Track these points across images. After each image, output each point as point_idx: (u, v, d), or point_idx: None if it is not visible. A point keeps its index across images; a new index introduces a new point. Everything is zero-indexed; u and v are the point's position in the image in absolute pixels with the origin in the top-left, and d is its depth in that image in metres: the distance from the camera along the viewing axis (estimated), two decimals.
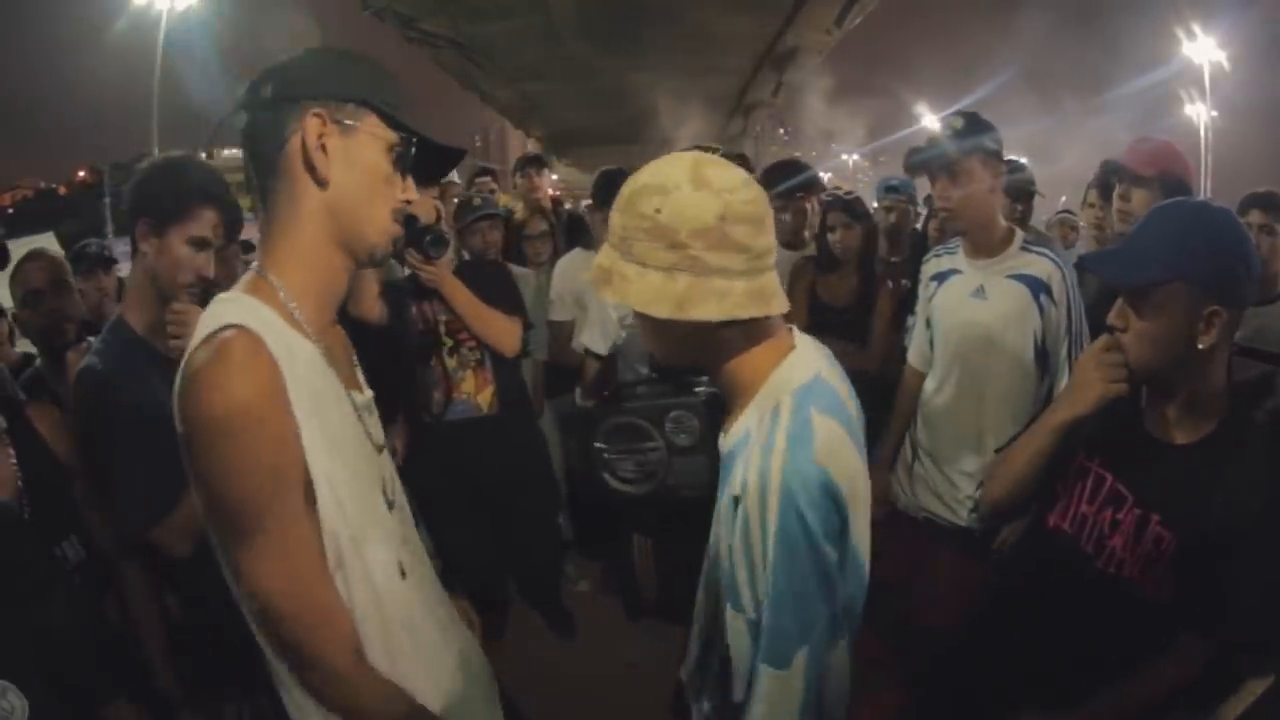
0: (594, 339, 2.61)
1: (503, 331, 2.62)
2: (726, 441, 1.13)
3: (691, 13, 8.36)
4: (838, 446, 1.02)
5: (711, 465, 2.16)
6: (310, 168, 1.00)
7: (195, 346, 0.95)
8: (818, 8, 8.41)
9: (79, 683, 1.34)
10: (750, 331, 1.07)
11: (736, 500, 1.03)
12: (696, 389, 2.28)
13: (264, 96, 1.01)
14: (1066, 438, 1.42)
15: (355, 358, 1.22)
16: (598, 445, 2.32)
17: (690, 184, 1.01)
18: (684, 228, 0.99)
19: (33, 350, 2.46)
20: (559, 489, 3.31)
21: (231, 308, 0.99)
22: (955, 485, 2.27)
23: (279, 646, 0.99)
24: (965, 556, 2.19)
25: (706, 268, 1.01)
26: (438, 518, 2.81)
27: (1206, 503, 1.27)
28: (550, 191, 5.18)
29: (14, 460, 1.45)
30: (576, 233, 3.95)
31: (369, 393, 1.18)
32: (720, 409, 2.11)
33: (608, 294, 1.03)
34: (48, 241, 3.27)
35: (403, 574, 1.10)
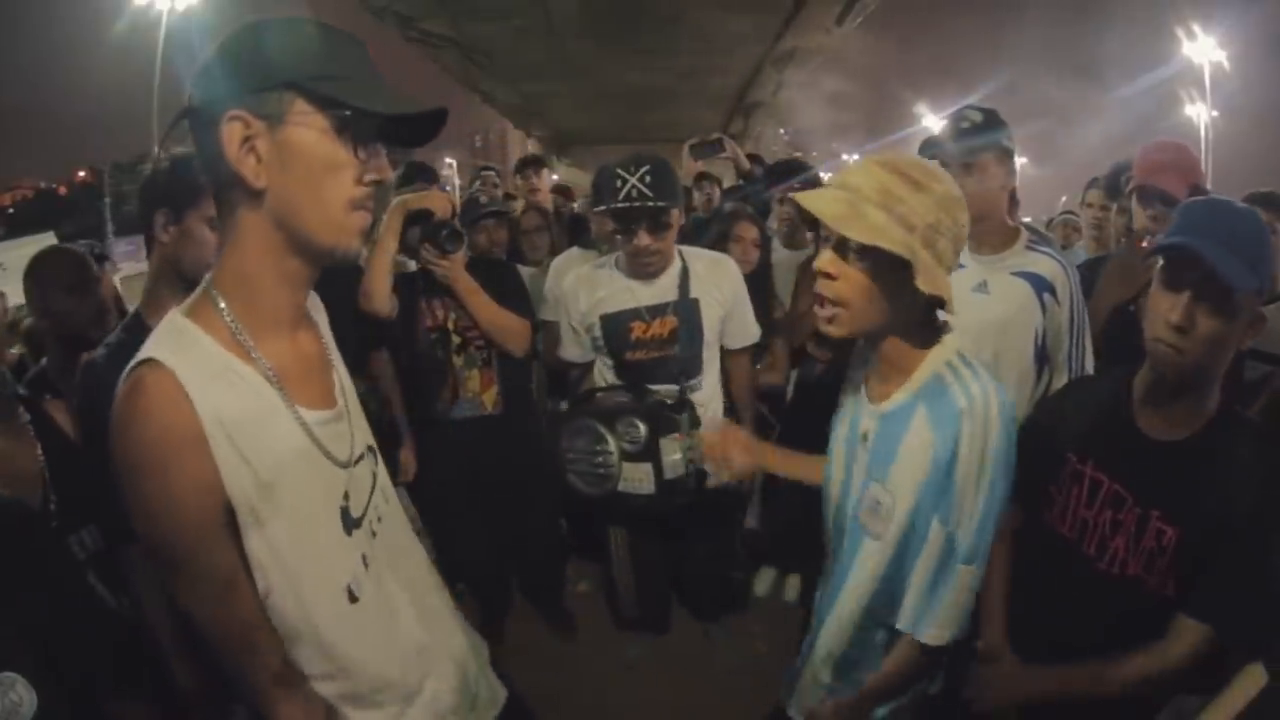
0: (569, 350, 2.61)
1: (513, 332, 2.62)
2: (897, 397, 1.32)
3: (692, 13, 8.34)
4: (997, 385, 1.26)
5: (656, 474, 2.20)
6: (239, 177, 0.92)
7: (121, 378, 0.92)
8: (818, 8, 8.39)
9: (90, 677, 1.34)
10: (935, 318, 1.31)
11: (960, 414, 1.21)
12: (646, 398, 2.31)
13: (192, 107, 0.93)
14: None
15: (333, 365, 1.15)
16: (562, 446, 2.37)
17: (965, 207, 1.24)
18: (962, 243, 1.24)
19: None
20: (560, 490, 3.30)
21: (158, 337, 0.96)
22: None
23: (221, 661, 1.00)
24: None
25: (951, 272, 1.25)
26: (440, 515, 2.82)
27: (1203, 496, 1.28)
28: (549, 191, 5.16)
29: (40, 454, 1.47)
30: (578, 231, 3.95)
31: (341, 404, 1.12)
32: (668, 420, 2.16)
33: (923, 281, 1.15)
34: (48, 241, 3.27)
35: (352, 598, 1.07)
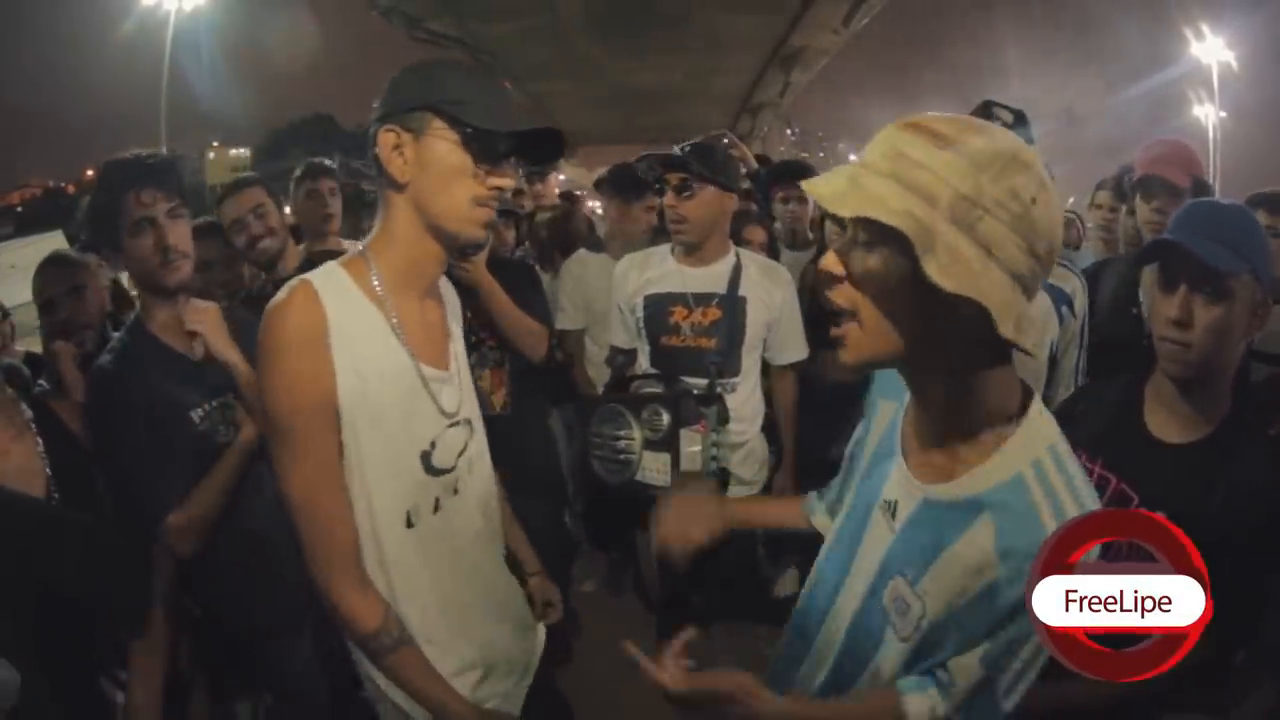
0: (617, 334, 2.64)
1: (533, 337, 2.56)
2: (959, 485, 0.95)
3: (699, 13, 8.35)
4: (1095, 503, 0.91)
5: (673, 465, 2.19)
6: (387, 173, 1.19)
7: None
8: (825, 8, 8.41)
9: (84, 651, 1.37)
10: (1013, 371, 0.94)
11: (1008, 553, 0.88)
12: (676, 386, 2.30)
13: (370, 122, 1.20)
14: None
15: (450, 337, 1.37)
16: (590, 430, 2.37)
17: (1051, 185, 0.85)
18: (1047, 237, 0.85)
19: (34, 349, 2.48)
20: (565, 490, 3.31)
21: (318, 271, 1.21)
22: None
23: (301, 543, 1.18)
24: None
25: (1034, 292, 0.86)
26: None
27: (1210, 500, 1.27)
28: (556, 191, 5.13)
29: (41, 450, 1.48)
30: (568, 232, 3.91)
31: (454, 368, 1.35)
32: (691, 410, 2.14)
33: (933, 268, 0.79)
34: (56, 240, 3.29)
35: (409, 523, 1.25)
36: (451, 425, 1.31)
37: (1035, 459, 0.90)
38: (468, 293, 2.54)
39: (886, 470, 1.07)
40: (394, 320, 1.23)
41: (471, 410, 1.39)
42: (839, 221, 0.92)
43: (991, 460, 0.92)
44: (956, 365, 0.91)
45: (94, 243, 1.72)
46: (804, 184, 0.96)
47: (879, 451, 1.11)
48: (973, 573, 0.91)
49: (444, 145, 1.18)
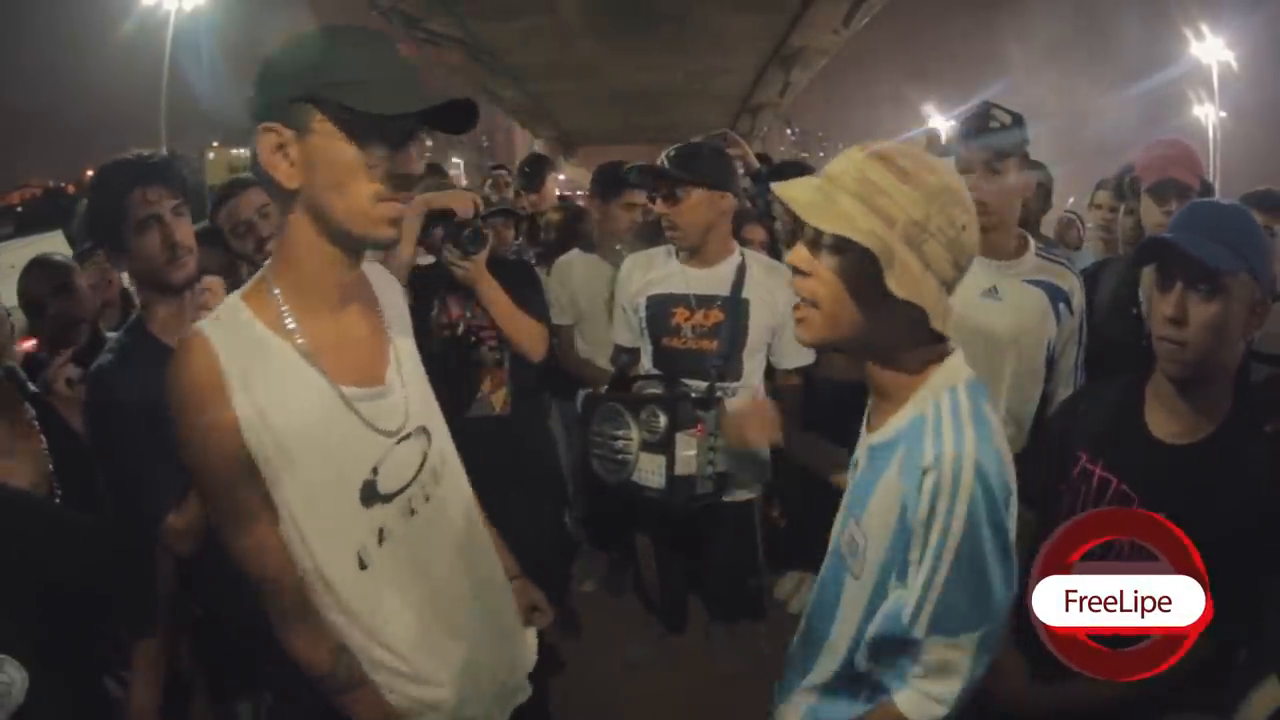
0: (620, 333, 2.63)
1: (533, 337, 2.55)
2: (884, 430, 1.16)
3: (699, 12, 8.35)
4: (1003, 440, 1.10)
5: (668, 468, 2.20)
6: (273, 180, 1.06)
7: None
8: (825, 8, 8.40)
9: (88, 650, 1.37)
10: (934, 337, 1.11)
11: (924, 471, 1.05)
12: (676, 388, 2.29)
13: (248, 122, 1.07)
14: None
15: (389, 343, 1.26)
16: (590, 429, 2.37)
17: (974, 212, 1.09)
18: (969, 254, 1.08)
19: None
20: (565, 490, 3.31)
21: (211, 315, 1.13)
22: None
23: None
24: None
25: (952, 290, 1.09)
26: None
27: (1210, 500, 1.27)
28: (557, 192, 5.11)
29: (45, 449, 1.48)
30: (576, 232, 3.92)
31: (394, 378, 1.23)
32: (688, 413, 2.14)
33: (891, 279, 1.00)
34: (56, 240, 3.27)
35: (361, 565, 1.17)
36: (400, 441, 1.21)
37: (936, 400, 1.10)
38: (468, 292, 2.54)
39: (861, 437, 1.27)
40: (303, 346, 1.11)
41: (426, 417, 1.29)
42: (800, 221, 1.10)
43: (909, 403, 1.13)
44: (893, 344, 1.13)
45: (95, 244, 1.71)
46: (776, 188, 1.13)
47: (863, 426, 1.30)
48: (891, 498, 1.11)
49: (332, 140, 1.03)
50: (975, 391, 1.12)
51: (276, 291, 1.11)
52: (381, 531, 1.19)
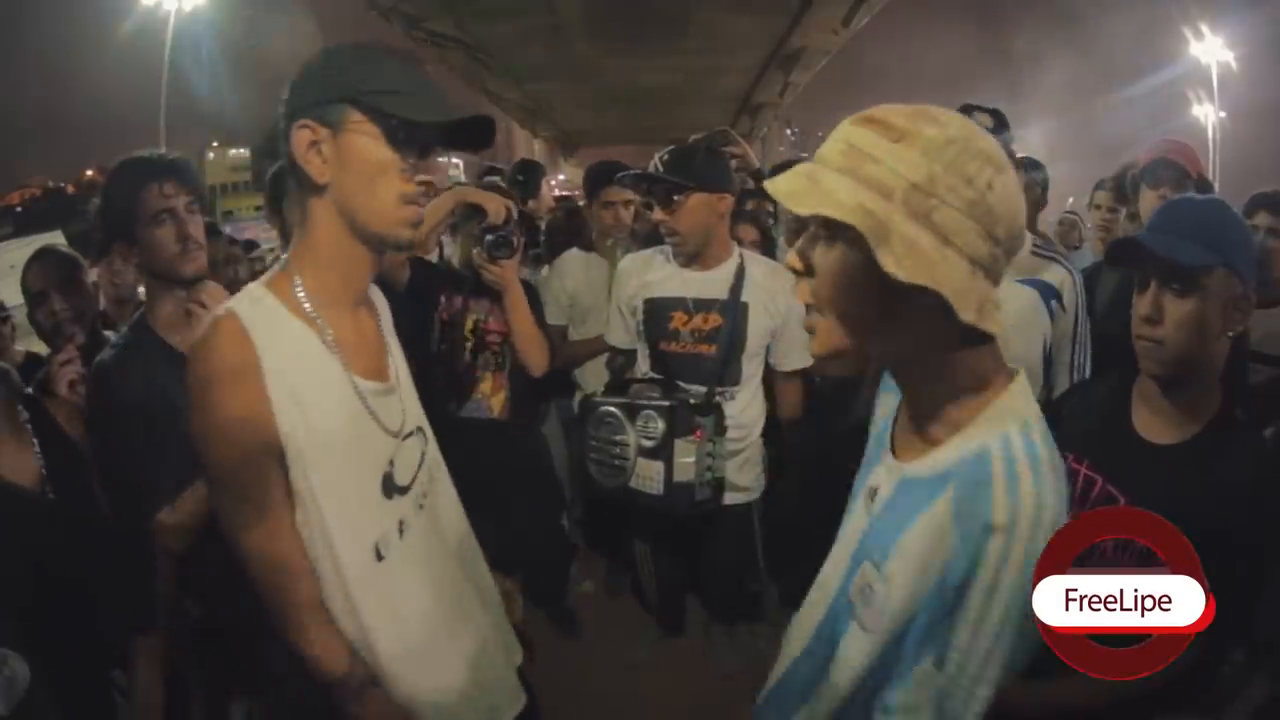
0: (616, 334, 2.61)
1: (541, 351, 2.56)
2: (927, 462, 0.95)
3: (698, 13, 8.33)
4: (1060, 489, 0.89)
5: (666, 473, 2.19)
6: (305, 174, 1.09)
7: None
8: (825, 8, 8.36)
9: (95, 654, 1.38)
10: (993, 351, 0.93)
11: (992, 530, 0.84)
12: (675, 394, 2.28)
13: (279, 116, 1.11)
14: None
15: (388, 347, 1.29)
16: (587, 433, 2.36)
17: (1010, 169, 0.86)
18: (1006, 222, 0.86)
19: (37, 349, 2.47)
20: (561, 492, 3.32)
21: (237, 298, 1.12)
22: None
23: (259, 590, 1.12)
24: None
25: (997, 274, 0.88)
26: None
27: (1195, 501, 1.26)
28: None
29: (37, 450, 1.48)
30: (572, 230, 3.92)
31: (393, 380, 1.25)
32: (686, 419, 2.13)
33: (888, 260, 0.80)
34: (55, 239, 3.28)
35: (378, 556, 1.17)
36: (407, 437, 1.25)
37: (1004, 433, 0.89)
38: (484, 294, 2.54)
39: (876, 459, 1.07)
40: (329, 337, 1.14)
41: (420, 418, 1.33)
42: (801, 219, 0.94)
43: (962, 433, 0.92)
44: (926, 349, 0.92)
45: (107, 239, 1.72)
46: (765, 184, 0.96)
47: (874, 443, 1.12)
48: (932, 549, 0.90)
49: (366, 140, 1.09)
50: (1041, 430, 0.91)
51: (298, 281, 1.14)
52: (402, 523, 1.22)
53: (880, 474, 1.05)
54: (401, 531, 1.22)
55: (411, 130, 1.09)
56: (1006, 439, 0.89)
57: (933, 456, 0.95)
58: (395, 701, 1.19)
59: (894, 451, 1.03)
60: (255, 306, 1.10)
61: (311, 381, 1.10)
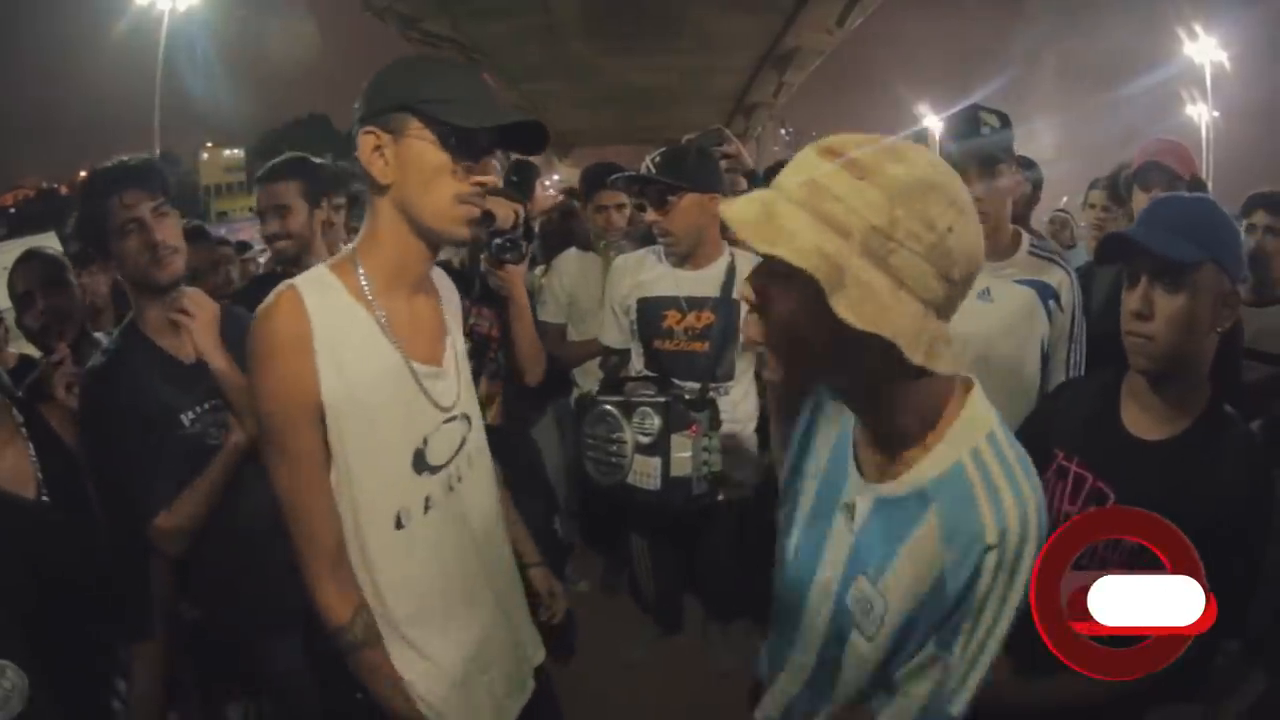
0: (610, 334, 2.62)
1: (539, 361, 2.50)
2: (904, 482, 0.97)
3: (693, 12, 8.35)
4: (1034, 482, 0.93)
5: (663, 470, 2.20)
6: (369, 175, 1.21)
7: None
8: (819, 8, 8.40)
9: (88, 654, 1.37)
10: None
11: (987, 548, 0.88)
12: (669, 391, 2.29)
13: (352, 124, 1.23)
14: None
15: (447, 333, 1.39)
16: (583, 431, 2.36)
17: (971, 211, 0.85)
18: (963, 264, 0.85)
19: (29, 351, 2.46)
20: (553, 494, 3.31)
21: (305, 275, 1.25)
22: None
23: (289, 536, 1.22)
24: None
25: (950, 312, 0.88)
26: None
27: (1185, 497, 1.26)
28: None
29: (33, 455, 1.47)
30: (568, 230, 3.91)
31: (450, 363, 1.36)
32: (682, 415, 2.13)
33: (841, 305, 0.79)
34: (49, 241, 3.25)
35: (398, 524, 1.27)
36: (448, 420, 1.33)
37: (973, 448, 0.92)
38: (497, 301, 2.52)
39: (844, 470, 1.08)
40: (382, 319, 1.25)
41: (469, 406, 1.40)
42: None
43: (933, 453, 0.95)
44: (880, 381, 0.92)
45: (86, 252, 1.73)
46: (720, 207, 0.93)
47: (835, 454, 1.11)
48: (925, 565, 0.94)
49: (423, 145, 1.19)
50: (1008, 433, 0.96)
51: (361, 269, 1.25)
52: (428, 500, 1.30)
53: (853, 490, 1.05)
54: (426, 508, 1.30)
55: (465, 135, 1.19)
56: (977, 453, 0.92)
57: (905, 478, 0.97)
58: (393, 667, 1.26)
59: (860, 471, 1.04)
60: (316, 285, 1.22)
61: (360, 356, 1.21)
